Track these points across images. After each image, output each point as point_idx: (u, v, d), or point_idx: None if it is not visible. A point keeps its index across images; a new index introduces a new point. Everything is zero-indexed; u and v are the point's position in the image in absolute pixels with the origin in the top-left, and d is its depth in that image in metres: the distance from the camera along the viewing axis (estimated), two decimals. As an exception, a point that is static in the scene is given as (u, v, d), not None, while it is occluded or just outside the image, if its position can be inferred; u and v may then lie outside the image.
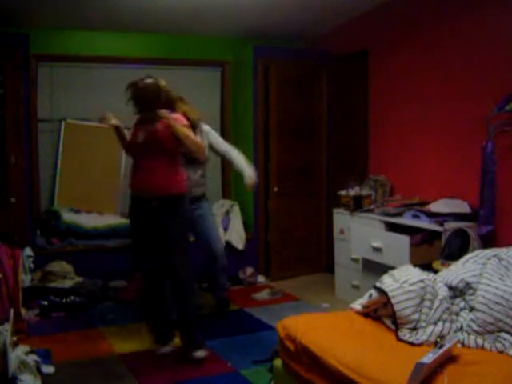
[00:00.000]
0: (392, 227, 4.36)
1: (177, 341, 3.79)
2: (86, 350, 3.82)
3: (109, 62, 5.51)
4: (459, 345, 2.57)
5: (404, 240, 4.04)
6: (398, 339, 2.66)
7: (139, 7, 4.73)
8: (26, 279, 4.43)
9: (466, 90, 4.20)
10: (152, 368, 3.54)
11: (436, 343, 2.50)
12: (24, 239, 4.83)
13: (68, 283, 4.72)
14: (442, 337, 2.61)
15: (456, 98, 4.30)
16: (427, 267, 3.42)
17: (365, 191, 4.91)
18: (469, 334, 2.64)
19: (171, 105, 3.65)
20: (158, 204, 3.54)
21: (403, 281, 2.81)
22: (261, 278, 5.53)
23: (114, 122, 3.70)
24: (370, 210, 4.67)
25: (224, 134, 5.53)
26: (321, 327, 2.77)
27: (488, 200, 3.83)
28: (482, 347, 2.57)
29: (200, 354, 3.61)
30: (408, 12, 4.76)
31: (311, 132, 5.79)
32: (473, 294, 2.77)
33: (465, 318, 2.73)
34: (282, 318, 2.94)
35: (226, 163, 5.42)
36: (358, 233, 4.58)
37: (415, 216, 4.20)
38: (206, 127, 4.40)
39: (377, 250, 4.31)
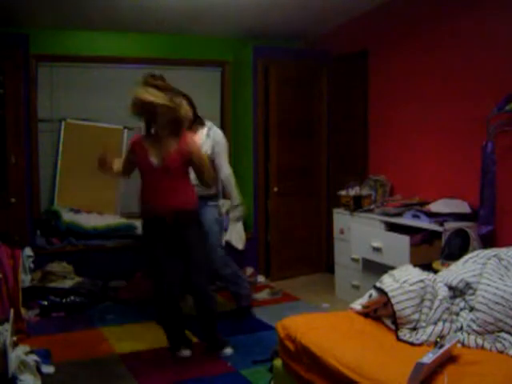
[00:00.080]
0: (392, 227, 4.36)
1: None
2: (85, 350, 3.82)
3: (109, 62, 5.51)
4: (459, 345, 2.57)
5: (404, 240, 4.04)
6: (398, 339, 2.66)
7: (140, 7, 4.73)
8: (25, 279, 4.43)
9: (466, 90, 4.20)
10: (152, 368, 3.54)
11: (436, 343, 2.50)
12: (24, 239, 4.83)
13: (68, 283, 4.72)
14: (442, 337, 2.61)
15: (456, 98, 4.30)
16: (427, 267, 3.42)
17: (365, 191, 4.91)
18: (469, 333, 2.64)
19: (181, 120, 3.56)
20: (175, 222, 3.53)
21: (403, 281, 2.81)
22: (261, 278, 5.53)
23: (114, 167, 3.65)
24: (370, 210, 4.67)
25: (224, 134, 5.52)
26: (321, 327, 2.77)
27: (488, 200, 3.83)
28: (482, 347, 2.57)
29: (228, 351, 3.72)
30: (408, 12, 4.76)
31: (311, 132, 5.79)
32: (473, 294, 2.77)
33: (465, 317, 2.73)
34: (282, 318, 2.94)
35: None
36: (358, 233, 4.58)
37: (415, 216, 4.20)
38: (218, 133, 4.24)
39: (377, 250, 4.31)
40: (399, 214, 4.34)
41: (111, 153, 3.62)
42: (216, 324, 3.77)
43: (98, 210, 5.38)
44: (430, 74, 4.54)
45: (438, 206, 4.11)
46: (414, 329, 2.69)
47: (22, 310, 4.13)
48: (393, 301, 2.72)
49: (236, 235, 5.37)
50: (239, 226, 5.42)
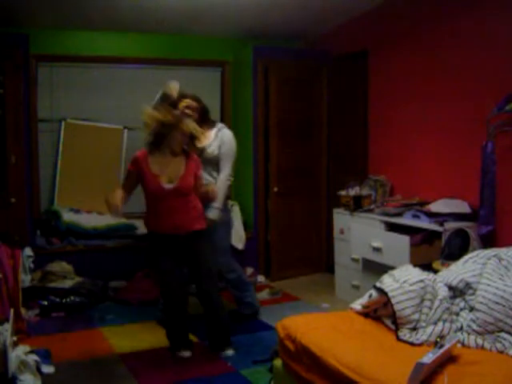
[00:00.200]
0: (392, 227, 4.36)
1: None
2: (86, 350, 3.82)
3: (109, 62, 5.52)
4: (459, 345, 2.57)
5: (404, 240, 4.04)
6: (398, 339, 2.66)
7: (140, 7, 4.73)
8: (25, 279, 4.43)
9: (466, 90, 4.20)
10: (152, 368, 3.54)
11: (436, 343, 2.50)
12: (24, 239, 4.83)
13: (68, 283, 4.72)
14: (442, 337, 2.61)
15: (456, 98, 4.29)
16: (427, 267, 3.42)
17: (365, 191, 4.91)
18: (469, 334, 2.64)
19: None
20: (188, 237, 3.57)
21: (403, 281, 2.81)
22: (261, 278, 5.53)
23: (120, 212, 3.60)
24: (370, 210, 4.67)
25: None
26: (321, 327, 2.77)
27: (488, 200, 3.83)
28: (482, 347, 2.57)
29: (230, 352, 3.72)
30: (408, 12, 4.76)
31: (311, 132, 5.79)
32: (473, 294, 2.77)
33: (465, 318, 2.73)
34: (282, 318, 2.94)
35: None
36: (358, 233, 4.58)
37: (415, 216, 4.20)
38: (226, 133, 4.18)
39: (377, 250, 4.31)
40: (399, 214, 4.34)
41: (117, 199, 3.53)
42: (228, 326, 3.80)
43: (98, 210, 5.37)
44: (429, 74, 4.54)
45: (437, 206, 4.11)
46: (414, 329, 2.70)
47: (22, 310, 4.13)
48: (393, 301, 2.72)
49: (236, 235, 5.36)
50: (239, 225, 5.43)
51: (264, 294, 5.01)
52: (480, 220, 3.87)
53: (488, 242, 3.82)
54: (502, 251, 2.94)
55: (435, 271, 3.36)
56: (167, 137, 3.47)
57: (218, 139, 4.11)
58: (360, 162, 5.39)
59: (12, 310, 3.48)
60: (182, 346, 3.72)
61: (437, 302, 2.75)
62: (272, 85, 5.54)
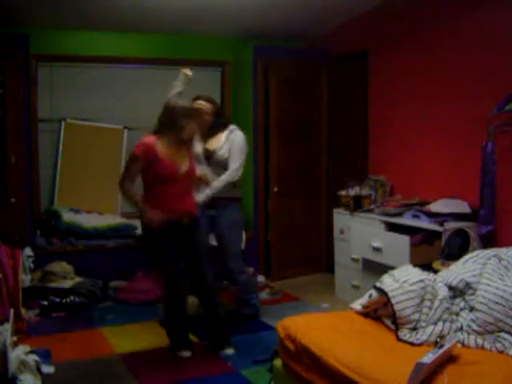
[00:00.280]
0: (392, 227, 4.36)
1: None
2: (85, 350, 3.82)
3: (109, 62, 5.51)
4: (459, 345, 2.57)
5: (404, 240, 4.04)
6: (398, 339, 2.66)
7: (140, 7, 4.73)
8: (25, 279, 4.43)
9: (466, 90, 4.20)
10: (152, 368, 3.54)
11: (436, 343, 2.50)
12: (24, 239, 4.83)
13: (68, 283, 4.71)
14: (442, 337, 2.61)
15: (456, 98, 4.29)
16: (427, 267, 3.42)
17: (365, 191, 4.91)
18: (469, 333, 2.64)
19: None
20: (190, 222, 3.66)
21: (403, 281, 2.81)
22: (261, 278, 5.52)
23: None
24: (370, 210, 4.67)
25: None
26: (321, 327, 2.77)
27: (488, 200, 3.83)
28: (482, 347, 2.57)
29: (230, 351, 3.73)
30: (408, 12, 4.76)
31: (311, 132, 5.79)
32: (473, 294, 2.77)
33: (465, 318, 2.73)
34: (282, 318, 2.94)
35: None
36: (358, 233, 4.58)
37: (415, 216, 4.20)
38: (237, 134, 4.16)
39: (377, 250, 4.31)
40: (399, 214, 4.34)
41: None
42: (227, 324, 3.82)
43: (98, 210, 5.38)
44: (429, 74, 4.54)
45: (437, 206, 4.11)
46: (414, 329, 2.70)
47: (22, 310, 4.13)
48: (393, 301, 2.72)
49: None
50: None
51: (264, 294, 5.01)
52: (480, 220, 3.87)
53: (488, 242, 3.82)
54: (502, 251, 2.94)
55: (435, 271, 3.36)
56: (184, 125, 3.51)
57: (228, 142, 4.11)
58: (360, 162, 5.39)
59: (12, 310, 3.49)
60: (182, 345, 3.72)
61: (437, 302, 2.75)
62: (272, 85, 5.54)
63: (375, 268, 4.34)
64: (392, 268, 3.28)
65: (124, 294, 4.88)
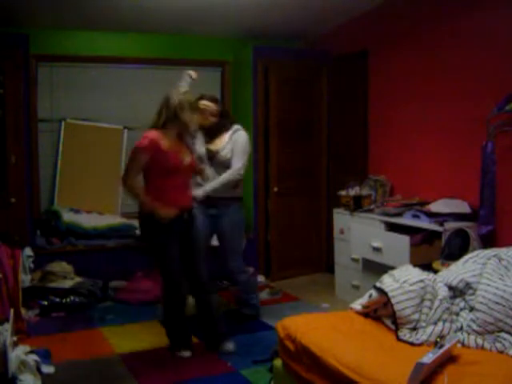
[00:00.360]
0: (392, 227, 4.36)
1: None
2: (85, 350, 3.82)
3: (109, 62, 5.52)
4: (459, 345, 2.57)
5: (404, 240, 4.04)
6: (398, 339, 2.66)
7: (140, 7, 4.73)
8: (25, 279, 4.43)
9: (466, 90, 4.20)
10: (152, 368, 3.54)
11: (436, 343, 2.50)
12: (24, 239, 4.83)
13: (68, 283, 4.71)
14: (442, 337, 2.61)
15: (456, 98, 4.29)
16: (427, 267, 3.42)
17: (365, 191, 4.91)
18: (469, 333, 2.64)
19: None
20: (188, 216, 3.67)
21: (403, 281, 2.81)
22: (261, 278, 5.52)
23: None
24: (370, 210, 4.67)
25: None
26: (321, 327, 2.77)
27: (488, 200, 3.83)
28: (482, 347, 2.57)
29: (229, 345, 3.74)
30: (408, 12, 4.76)
31: (311, 132, 5.79)
32: (473, 294, 2.77)
33: (465, 318, 2.73)
34: (282, 318, 2.94)
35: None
36: (358, 233, 4.58)
37: (415, 216, 4.20)
38: (240, 134, 4.14)
39: (377, 250, 4.31)
40: (399, 214, 4.34)
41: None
42: (220, 320, 3.82)
43: (98, 210, 5.38)
44: (430, 74, 4.54)
45: (437, 206, 4.11)
46: (414, 329, 2.70)
47: (22, 310, 4.13)
48: (393, 301, 2.72)
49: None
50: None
51: (264, 294, 5.00)
52: (480, 220, 3.87)
53: (488, 242, 3.82)
54: (502, 251, 2.94)
55: (435, 271, 3.36)
56: (187, 118, 3.53)
57: (231, 142, 4.09)
58: (360, 162, 5.39)
59: (12, 310, 3.49)
60: (182, 345, 3.72)
61: (437, 302, 2.75)
62: (272, 85, 5.54)
63: (375, 268, 4.34)
64: (392, 268, 3.28)
65: (124, 294, 4.88)
